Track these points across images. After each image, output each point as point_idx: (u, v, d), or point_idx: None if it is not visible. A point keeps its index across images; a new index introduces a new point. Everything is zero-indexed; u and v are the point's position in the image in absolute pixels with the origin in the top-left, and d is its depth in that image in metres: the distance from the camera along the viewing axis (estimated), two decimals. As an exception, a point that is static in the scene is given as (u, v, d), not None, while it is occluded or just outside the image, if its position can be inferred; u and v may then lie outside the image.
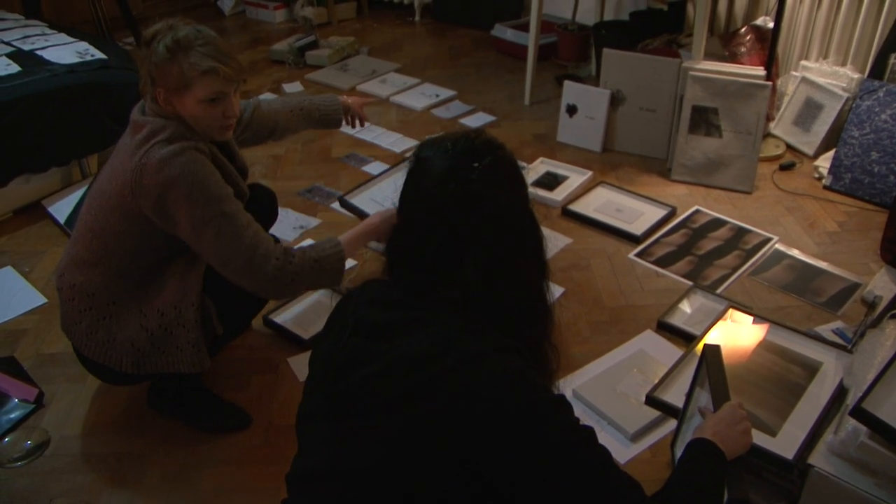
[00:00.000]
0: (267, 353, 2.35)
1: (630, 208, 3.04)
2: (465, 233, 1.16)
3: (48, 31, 3.55)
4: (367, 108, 3.94)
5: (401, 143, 3.61)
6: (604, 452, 1.14)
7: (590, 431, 1.15)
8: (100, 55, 3.25)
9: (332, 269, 1.90)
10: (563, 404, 1.15)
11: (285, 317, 2.45)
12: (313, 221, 3.00)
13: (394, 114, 3.96)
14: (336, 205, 3.08)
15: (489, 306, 1.19)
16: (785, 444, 1.72)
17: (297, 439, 1.32)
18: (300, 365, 2.30)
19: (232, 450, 2.04)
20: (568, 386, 2.12)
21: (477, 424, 1.06)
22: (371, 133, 3.71)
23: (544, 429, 1.09)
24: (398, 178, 2.42)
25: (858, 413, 1.58)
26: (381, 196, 2.51)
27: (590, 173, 3.29)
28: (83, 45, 3.33)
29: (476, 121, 3.85)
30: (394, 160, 3.44)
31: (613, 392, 2.11)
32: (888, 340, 1.82)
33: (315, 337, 2.35)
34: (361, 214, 2.45)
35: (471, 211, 1.16)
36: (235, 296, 1.93)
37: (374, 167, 3.39)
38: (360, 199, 2.54)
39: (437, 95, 4.11)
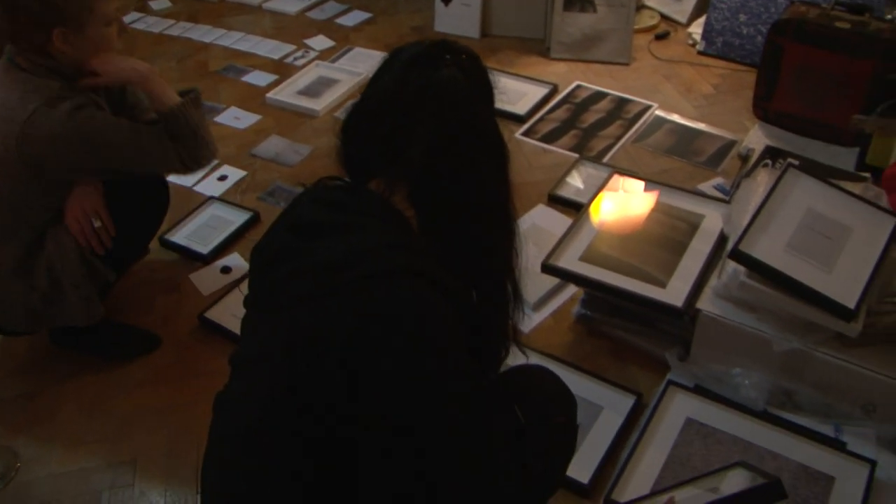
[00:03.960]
0: (168, 273, 2.33)
1: (512, 90, 3.06)
2: (420, 112, 1.11)
3: None
4: (239, 18, 3.84)
5: (278, 50, 3.52)
6: (487, 434, 1.08)
7: (480, 406, 1.08)
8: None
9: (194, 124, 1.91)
10: (457, 367, 1.07)
11: (182, 235, 2.43)
12: (198, 138, 2.94)
13: (268, 21, 3.84)
14: (221, 118, 3.03)
15: (434, 209, 1.15)
16: (674, 294, 1.82)
17: None
18: (203, 280, 2.29)
19: (144, 372, 2.04)
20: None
21: (359, 347, 1.02)
22: (247, 42, 3.61)
23: (423, 384, 1.03)
24: (216, 209, 2.47)
25: (736, 255, 1.69)
26: (200, 234, 2.43)
27: (471, 61, 3.29)
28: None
29: (352, 19, 3.78)
30: (273, 68, 3.38)
31: (513, 268, 2.18)
32: (760, 187, 1.93)
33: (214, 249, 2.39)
34: (187, 252, 2.39)
35: (430, 94, 1.11)
36: (130, 223, 1.93)
37: (254, 77, 3.32)
38: (180, 237, 2.43)
39: (311, -3, 4.00)
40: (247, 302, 1.25)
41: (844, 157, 2.50)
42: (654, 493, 1.36)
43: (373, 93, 1.17)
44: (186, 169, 1.94)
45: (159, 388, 2.00)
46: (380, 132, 1.14)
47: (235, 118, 3.04)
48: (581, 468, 1.67)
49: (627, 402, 1.83)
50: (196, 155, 1.92)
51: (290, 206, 1.24)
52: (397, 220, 1.14)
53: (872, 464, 1.63)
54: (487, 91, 1.20)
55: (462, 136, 1.13)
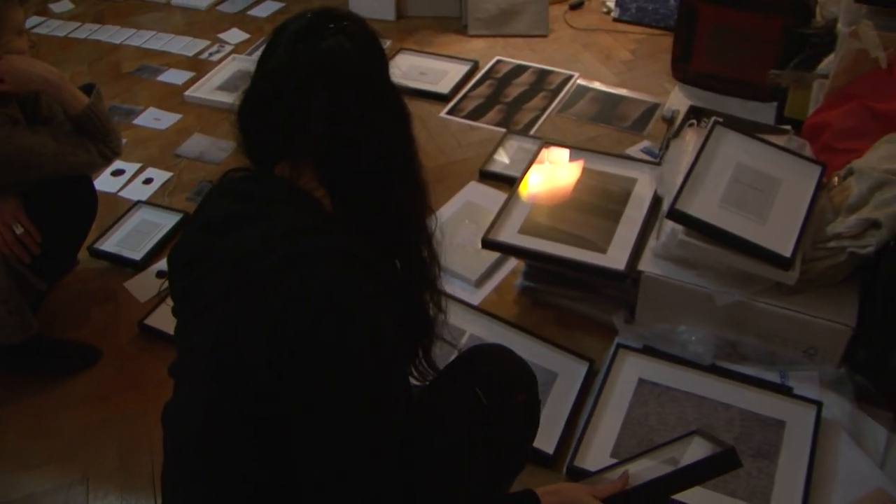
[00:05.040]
0: (101, 283, 2.27)
1: (433, 69, 3.06)
2: (313, 85, 1.09)
3: None
4: (149, 16, 3.74)
5: (192, 46, 3.44)
6: (390, 436, 1.04)
7: (392, 402, 1.05)
8: None
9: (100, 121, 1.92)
10: (382, 351, 1.03)
11: (111, 242, 2.36)
12: (118, 142, 2.86)
13: (178, 17, 3.75)
14: (140, 119, 2.95)
15: (342, 182, 1.13)
16: (615, 258, 1.85)
17: None
18: (138, 287, 2.23)
19: (87, 387, 1.98)
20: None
21: (283, 334, 0.99)
22: (159, 41, 3.51)
23: (343, 371, 1.00)
24: (145, 214, 2.44)
25: (674, 214, 1.72)
26: (130, 240, 2.38)
27: (388, 42, 3.28)
28: None
29: (265, 9, 3.72)
30: (188, 65, 3.30)
31: (451, 246, 2.18)
32: (689, 146, 1.97)
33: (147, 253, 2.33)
34: (119, 259, 2.32)
35: (320, 66, 1.09)
36: (56, 226, 1.88)
37: (170, 75, 3.23)
38: (109, 245, 2.37)
39: (220, -10, 3.92)
40: (174, 311, 1.22)
41: (764, 112, 2.57)
42: (610, 466, 1.37)
43: (262, 75, 1.14)
44: (107, 161, 1.98)
45: (106, 401, 1.94)
46: (276, 113, 1.11)
47: (155, 119, 2.97)
48: (544, 439, 1.67)
49: (581, 368, 1.86)
50: (113, 146, 1.96)
51: (200, 204, 1.21)
52: (307, 201, 1.12)
53: (818, 405, 1.68)
54: (378, 52, 1.18)
55: (359, 102, 1.11)
